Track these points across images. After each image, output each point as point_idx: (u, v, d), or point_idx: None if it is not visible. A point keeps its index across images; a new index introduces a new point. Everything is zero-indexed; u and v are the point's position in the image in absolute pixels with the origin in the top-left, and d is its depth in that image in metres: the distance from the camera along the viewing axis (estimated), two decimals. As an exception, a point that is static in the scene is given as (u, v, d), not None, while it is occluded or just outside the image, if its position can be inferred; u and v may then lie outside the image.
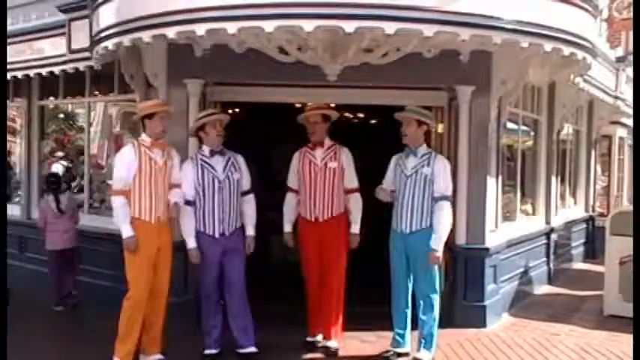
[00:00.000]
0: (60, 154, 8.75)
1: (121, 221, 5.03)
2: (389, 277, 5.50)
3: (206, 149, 5.35)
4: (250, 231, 5.41)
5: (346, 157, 5.62)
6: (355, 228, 5.58)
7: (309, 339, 5.74)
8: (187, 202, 5.27)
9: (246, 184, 5.42)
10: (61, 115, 8.92)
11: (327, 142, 5.65)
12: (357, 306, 5.94)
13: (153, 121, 5.17)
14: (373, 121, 10.10)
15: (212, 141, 5.31)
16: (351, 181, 5.62)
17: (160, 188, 5.12)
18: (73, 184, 8.11)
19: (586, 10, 5.58)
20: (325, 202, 5.53)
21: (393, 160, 5.49)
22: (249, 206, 5.43)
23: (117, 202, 5.06)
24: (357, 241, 5.59)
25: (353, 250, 5.65)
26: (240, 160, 5.41)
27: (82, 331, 6.35)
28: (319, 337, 5.71)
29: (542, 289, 8.34)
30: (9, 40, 7.33)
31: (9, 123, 9.43)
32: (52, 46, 7.13)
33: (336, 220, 5.55)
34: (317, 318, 5.68)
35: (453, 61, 6.05)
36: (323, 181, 5.53)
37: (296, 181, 5.68)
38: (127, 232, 5.00)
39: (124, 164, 5.07)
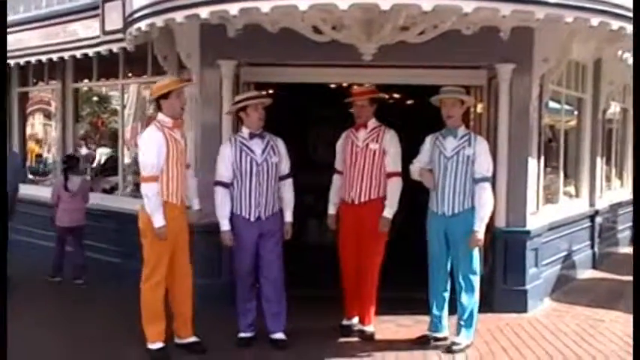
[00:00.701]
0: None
1: (155, 210, 4.94)
2: (423, 261, 5.49)
3: (245, 131, 5.34)
4: (288, 216, 5.40)
5: (390, 139, 5.55)
6: (388, 212, 5.49)
7: (344, 322, 5.78)
8: (223, 184, 5.29)
9: (285, 168, 5.40)
10: (95, 98, 9.07)
11: (372, 123, 5.60)
12: (392, 290, 5.94)
13: (170, 99, 5.08)
14: (409, 102, 9.99)
15: (253, 123, 5.30)
16: (393, 164, 5.53)
17: (183, 169, 5.17)
18: (89, 168, 8.23)
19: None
20: (363, 184, 5.51)
21: (429, 140, 5.44)
22: (288, 191, 5.42)
23: (151, 189, 4.95)
24: (387, 226, 5.51)
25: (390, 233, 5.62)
26: (280, 143, 5.39)
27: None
28: (355, 320, 5.74)
29: (586, 273, 8.23)
30: (43, 23, 7.50)
31: (44, 106, 9.64)
32: (86, 28, 7.22)
33: (373, 203, 5.51)
34: (352, 301, 5.70)
35: (492, 38, 5.97)
36: (362, 162, 5.51)
37: (341, 163, 5.69)
38: (159, 221, 4.94)
39: (154, 149, 4.97)
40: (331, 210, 5.75)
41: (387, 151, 5.53)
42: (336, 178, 5.77)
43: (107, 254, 7.58)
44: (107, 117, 8.80)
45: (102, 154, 8.85)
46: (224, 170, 5.30)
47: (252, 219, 5.26)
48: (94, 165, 8.86)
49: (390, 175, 5.54)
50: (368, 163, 5.51)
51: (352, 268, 5.60)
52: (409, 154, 5.61)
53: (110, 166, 8.54)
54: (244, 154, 5.26)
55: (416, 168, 5.46)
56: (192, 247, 5.39)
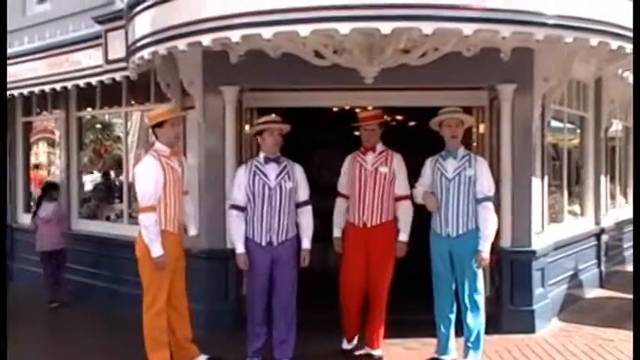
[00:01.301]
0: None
1: (154, 240, 4.96)
2: (429, 283, 5.49)
3: (262, 156, 5.35)
4: (306, 243, 5.33)
5: (398, 163, 5.59)
6: (404, 236, 5.53)
7: (345, 346, 5.78)
8: (237, 208, 5.31)
9: (303, 194, 5.36)
10: (99, 126, 9.11)
11: (380, 146, 5.64)
12: (399, 313, 5.92)
13: (164, 128, 5.12)
14: (411, 124, 10.04)
15: (268, 148, 5.30)
16: (403, 187, 5.58)
17: (180, 196, 5.20)
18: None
19: (634, -1, 5.45)
20: (374, 208, 5.51)
21: (429, 163, 5.48)
22: (306, 218, 5.37)
23: (149, 219, 4.97)
24: (404, 250, 5.55)
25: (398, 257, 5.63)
26: (298, 169, 5.37)
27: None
28: (355, 343, 5.76)
29: (593, 292, 8.18)
30: (47, 54, 7.57)
31: (48, 135, 9.70)
32: (89, 58, 7.29)
33: (384, 226, 5.53)
34: (355, 324, 5.70)
35: (493, 59, 6.00)
36: (373, 185, 5.52)
37: (346, 186, 5.68)
38: (158, 251, 4.96)
39: (152, 179, 5.00)
40: (337, 233, 5.72)
41: (397, 174, 5.56)
42: (340, 201, 5.75)
43: (114, 282, 7.56)
44: (110, 144, 8.82)
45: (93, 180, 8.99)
46: (237, 194, 5.32)
47: (263, 243, 5.24)
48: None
49: (400, 198, 5.57)
50: (378, 187, 5.52)
51: (359, 291, 5.59)
52: (411, 176, 5.64)
53: (111, 194, 8.61)
54: (257, 177, 5.26)
55: (419, 191, 5.48)
56: (187, 272, 5.39)
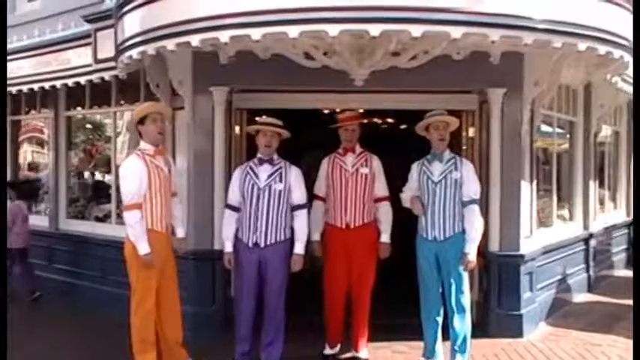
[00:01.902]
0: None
1: (139, 237, 4.94)
2: (415, 286, 5.49)
3: (257, 157, 5.36)
4: (297, 248, 5.27)
5: (377, 164, 5.63)
6: (385, 237, 5.56)
7: (327, 352, 5.75)
8: (230, 207, 5.35)
9: (298, 197, 5.30)
10: (89, 126, 9.07)
11: (358, 148, 5.67)
12: (386, 317, 5.94)
13: (145, 125, 5.10)
14: (402, 127, 10.05)
15: (261, 149, 5.33)
16: (382, 189, 5.62)
17: (168, 196, 5.18)
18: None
19: (622, 6, 5.47)
20: (356, 209, 5.52)
21: (415, 167, 5.49)
22: (299, 222, 5.30)
23: (133, 217, 4.95)
24: (387, 251, 5.58)
25: (381, 259, 5.63)
26: (294, 172, 5.32)
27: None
28: (337, 349, 5.75)
29: (581, 297, 8.20)
30: (35, 52, 7.53)
31: (37, 134, 9.65)
32: (78, 57, 7.25)
33: (366, 227, 5.55)
34: (339, 328, 5.69)
35: (483, 63, 6.04)
36: (354, 187, 5.53)
37: (324, 189, 5.67)
38: (144, 249, 4.94)
39: (135, 177, 4.98)
40: (316, 237, 5.65)
41: (377, 176, 5.59)
42: (317, 204, 5.68)
43: (102, 283, 7.54)
44: (102, 144, 8.79)
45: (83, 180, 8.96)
46: (231, 193, 5.37)
47: (250, 244, 5.23)
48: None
49: (380, 199, 5.60)
50: (360, 188, 5.53)
51: (342, 293, 5.59)
52: (400, 180, 5.65)
53: (100, 194, 8.59)
54: (249, 178, 5.27)
55: (407, 196, 5.50)
56: (179, 274, 5.36)
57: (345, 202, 5.53)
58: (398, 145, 8.64)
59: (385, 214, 5.59)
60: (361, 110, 6.16)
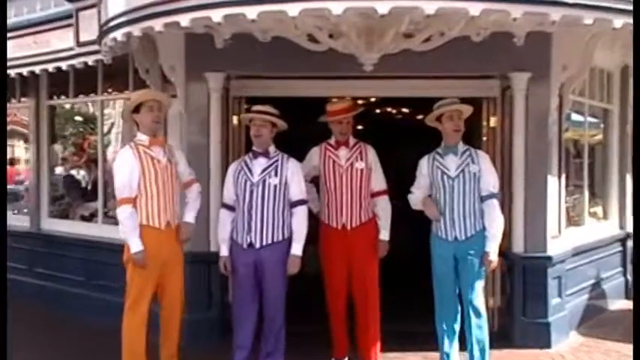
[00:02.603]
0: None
1: (129, 233, 4.97)
2: (429, 291, 5.46)
3: (252, 150, 5.39)
4: (294, 248, 5.22)
5: (373, 156, 5.63)
6: (385, 234, 5.57)
7: (335, 363, 5.76)
8: (226, 206, 5.38)
9: (296, 193, 5.28)
10: (80, 118, 9.11)
11: (352, 140, 5.66)
12: (396, 323, 5.92)
13: (141, 114, 5.13)
14: (418, 116, 10.02)
15: (254, 140, 5.33)
16: (379, 182, 5.63)
17: (169, 189, 5.14)
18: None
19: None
20: (353, 208, 5.52)
21: (424, 163, 5.44)
22: (297, 220, 5.27)
23: (124, 212, 4.99)
24: (386, 249, 5.59)
25: (387, 259, 5.63)
26: (291, 165, 5.31)
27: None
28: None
29: (617, 303, 8.15)
30: (12, 34, 7.51)
31: (19, 128, 9.67)
32: (59, 39, 7.22)
33: (365, 227, 5.55)
34: (344, 337, 5.70)
35: (506, 44, 5.91)
36: (349, 183, 5.52)
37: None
38: (136, 245, 4.95)
39: (126, 169, 5.03)
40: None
41: (372, 169, 5.59)
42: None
43: (87, 288, 7.57)
44: (95, 138, 8.77)
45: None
46: (226, 191, 5.40)
47: (244, 245, 5.23)
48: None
49: (378, 193, 5.61)
50: (356, 184, 5.53)
51: (343, 299, 5.60)
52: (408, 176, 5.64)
53: (86, 192, 8.63)
54: (242, 173, 5.29)
55: (417, 197, 5.48)
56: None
57: (341, 202, 5.53)
58: (416, 137, 8.62)
59: (383, 210, 5.60)
60: (372, 99, 6.12)
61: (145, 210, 5.05)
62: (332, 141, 5.68)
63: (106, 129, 8.27)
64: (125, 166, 5.04)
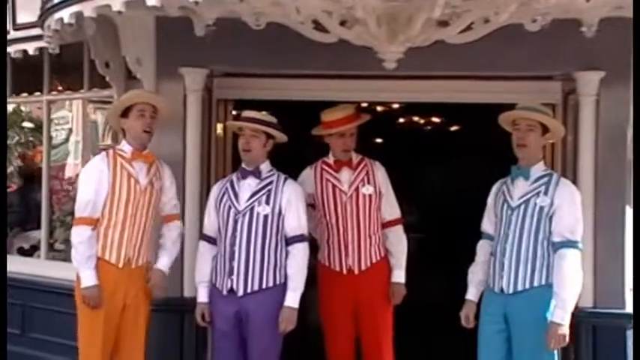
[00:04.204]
0: None
1: (82, 262, 5.01)
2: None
3: (240, 168, 5.39)
4: (288, 299, 5.17)
5: (383, 176, 5.67)
6: (400, 275, 5.62)
7: None
8: (206, 239, 5.40)
9: (293, 226, 5.24)
10: (29, 124, 9.15)
11: (355, 157, 5.68)
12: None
13: (129, 119, 5.20)
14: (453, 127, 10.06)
15: (243, 157, 5.32)
16: (392, 209, 5.69)
17: (141, 219, 5.18)
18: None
19: None
20: (361, 246, 5.55)
21: (494, 188, 5.31)
22: (294, 261, 5.23)
23: (80, 234, 5.03)
24: (401, 294, 5.63)
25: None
26: (290, 190, 5.27)
27: None
28: None
29: None
30: None
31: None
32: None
33: (376, 268, 5.59)
34: None
35: (571, 35, 5.82)
36: (355, 214, 5.55)
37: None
38: (87, 279, 4.98)
39: (92, 182, 5.09)
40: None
41: (383, 193, 5.63)
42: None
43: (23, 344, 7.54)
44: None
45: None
46: (207, 219, 5.44)
47: (224, 291, 5.22)
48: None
49: (389, 223, 5.65)
50: (363, 215, 5.56)
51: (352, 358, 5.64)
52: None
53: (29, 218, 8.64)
54: (226, 197, 5.30)
55: (478, 248, 5.33)
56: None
57: (345, 238, 5.56)
58: (453, 154, 8.55)
59: (396, 244, 5.66)
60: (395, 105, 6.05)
61: (103, 239, 5.09)
62: (330, 160, 5.68)
63: (61, 136, 8.33)
64: (92, 179, 5.11)
